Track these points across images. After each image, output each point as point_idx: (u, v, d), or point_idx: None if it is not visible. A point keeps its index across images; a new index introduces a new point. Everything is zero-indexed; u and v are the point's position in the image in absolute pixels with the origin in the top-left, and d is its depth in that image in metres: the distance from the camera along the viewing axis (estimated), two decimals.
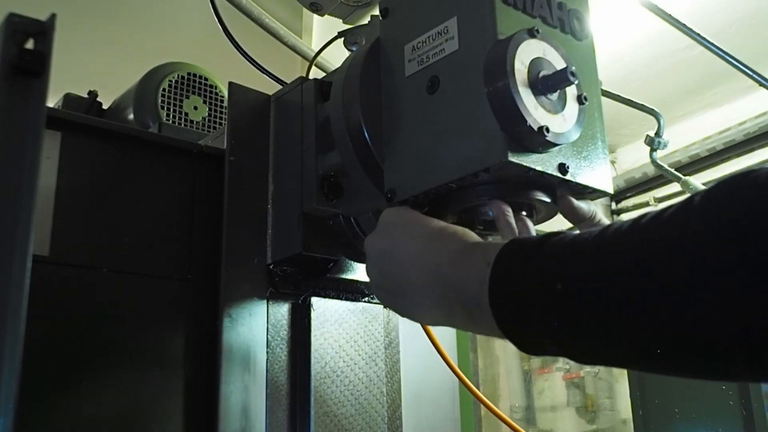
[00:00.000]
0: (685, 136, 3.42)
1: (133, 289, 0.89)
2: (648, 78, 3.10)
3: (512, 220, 0.73)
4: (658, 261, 0.47)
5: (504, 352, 4.16)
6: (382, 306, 1.08)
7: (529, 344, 0.57)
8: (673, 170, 1.74)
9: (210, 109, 1.39)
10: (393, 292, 0.71)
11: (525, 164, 0.71)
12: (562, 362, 3.97)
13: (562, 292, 0.52)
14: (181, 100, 1.37)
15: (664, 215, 0.49)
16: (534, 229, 0.75)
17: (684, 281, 0.46)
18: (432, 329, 0.98)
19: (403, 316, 0.72)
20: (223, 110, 1.39)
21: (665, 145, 1.53)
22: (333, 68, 0.99)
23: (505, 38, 0.71)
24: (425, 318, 0.71)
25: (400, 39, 0.83)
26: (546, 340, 0.56)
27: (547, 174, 0.73)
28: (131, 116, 1.37)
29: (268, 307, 0.96)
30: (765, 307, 0.42)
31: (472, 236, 0.68)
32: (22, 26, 0.61)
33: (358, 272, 1.01)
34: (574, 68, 0.71)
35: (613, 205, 3.86)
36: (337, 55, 1.04)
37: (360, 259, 1.00)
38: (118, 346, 0.86)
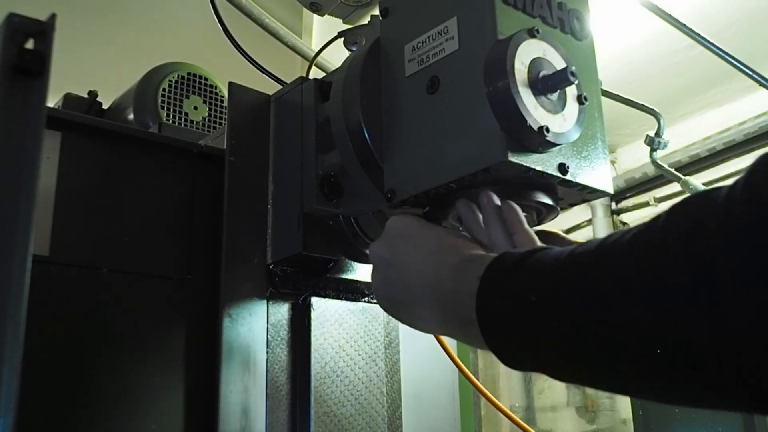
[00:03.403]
0: (685, 136, 3.42)
1: (133, 289, 0.89)
2: (648, 78, 3.10)
3: (479, 219, 0.72)
4: (614, 276, 0.48)
5: None
6: None
7: (511, 359, 0.57)
8: (673, 170, 1.74)
9: (210, 109, 1.39)
10: (394, 301, 0.71)
11: (525, 164, 0.71)
12: None
13: (536, 305, 0.52)
14: (181, 100, 1.37)
15: (630, 233, 0.50)
16: (527, 227, 0.73)
17: (635, 297, 0.46)
18: None
19: (404, 323, 0.72)
20: (223, 110, 1.39)
21: (665, 145, 1.53)
22: (333, 68, 0.99)
23: (505, 38, 0.71)
24: (425, 328, 0.71)
25: (400, 39, 0.83)
26: (523, 354, 0.56)
27: (547, 174, 0.73)
28: (131, 116, 1.37)
29: (268, 307, 0.96)
30: (708, 325, 0.42)
31: (472, 248, 0.67)
32: (22, 26, 0.61)
33: (358, 272, 1.01)
34: (574, 68, 0.71)
35: (613, 205, 3.86)
36: (337, 55, 1.04)
37: (360, 259, 1.00)
38: (117, 345, 0.86)
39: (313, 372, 0.96)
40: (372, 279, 0.75)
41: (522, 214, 0.71)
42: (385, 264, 0.72)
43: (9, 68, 0.60)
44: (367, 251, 0.98)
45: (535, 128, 0.69)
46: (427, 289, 0.66)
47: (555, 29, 0.79)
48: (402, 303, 0.70)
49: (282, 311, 0.97)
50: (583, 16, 0.82)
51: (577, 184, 0.76)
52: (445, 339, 0.98)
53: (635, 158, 3.61)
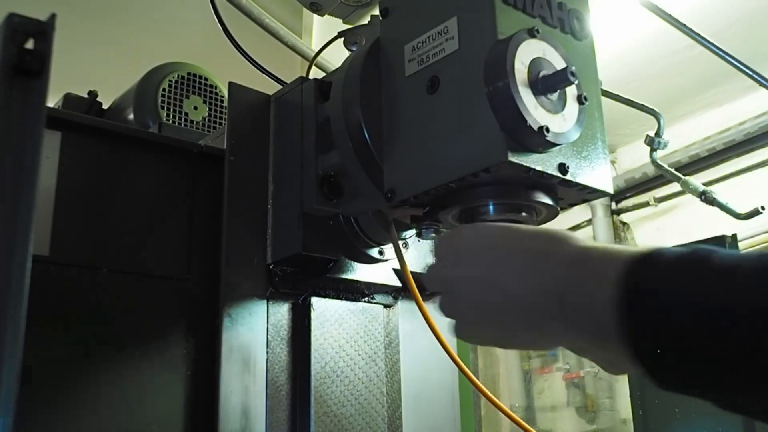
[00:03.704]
0: (685, 136, 3.42)
1: (133, 289, 0.89)
2: (648, 78, 3.09)
3: None
4: None
5: (504, 352, 4.16)
6: (382, 306, 1.07)
7: (667, 377, 0.51)
8: (673, 170, 1.74)
9: (210, 109, 1.39)
10: (497, 325, 0.62)
11: (525, 164, 0.71)
12: (562, 362, 3.97)
13: (688, 327, 0.48)
14: (181, 100, 1.37)
15: None
16: None
17: None
18: (435, 323, 0.96)
19: (509, 348, 0.67)
20: (223, 110, 1.39)
21: (665, 145, 1.53)
22: (333, 68, 0.99)
23: (505, 38, 0.71)
24: (542, 345, 0.64)
25: (400, 39, 0.83)
26: (681, 373, 0.50)
27: (547, 174, 0.73)
28: (131, 116, 1.37)
29: (268, 307, 0.96)
30: None
31: (578, 242, 0.60)
32: (22, 26, 0.61)
33: (358, 272, 1.01)
34: (574, 68, 0.71)
35: (613, 205, 3.86)
36: (337, 55, 1.04)
37: (360, 259, 1.00)
38: (117, 346, 0.86)
39: (313, 372, 0.96)
40: (445, 309, 0.65)
41: None
42: (474, 285, 0.62)
43: (9, 68, 0.60)
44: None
45: (535, 128, 0.69)
46: (541, 298, 0.58)
47: (555, 29, 0.79)
48: (507, 324, 0.61)
49: (282, 311, 0.97)
50: (583, 16, 0.82)
51: (577, 184, 0.76)
52: (445, 339, 0.97)
53: (635, 158, 3.61)
